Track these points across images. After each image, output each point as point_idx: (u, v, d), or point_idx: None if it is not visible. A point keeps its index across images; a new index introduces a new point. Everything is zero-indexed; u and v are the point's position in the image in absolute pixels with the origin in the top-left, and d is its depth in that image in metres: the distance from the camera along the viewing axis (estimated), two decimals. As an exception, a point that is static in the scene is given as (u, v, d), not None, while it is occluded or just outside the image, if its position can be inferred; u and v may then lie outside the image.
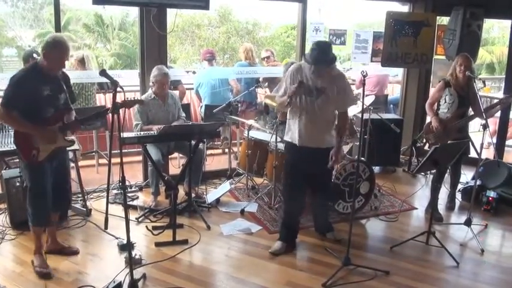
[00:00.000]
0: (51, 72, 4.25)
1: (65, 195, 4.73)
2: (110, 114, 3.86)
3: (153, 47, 6.34)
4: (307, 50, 7.73)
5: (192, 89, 8.32)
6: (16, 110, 4.12)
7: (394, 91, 10.60)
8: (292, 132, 4.86)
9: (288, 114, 4.94)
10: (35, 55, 6.48)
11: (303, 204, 5.12)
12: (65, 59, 4.32)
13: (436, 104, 5.94)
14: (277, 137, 5.81)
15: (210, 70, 7.94)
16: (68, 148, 4.64)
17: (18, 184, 5.24)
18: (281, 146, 6.03)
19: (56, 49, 4.16)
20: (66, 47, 4.24)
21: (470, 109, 5.80)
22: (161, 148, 6.00)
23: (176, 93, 6.69)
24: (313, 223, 5.47)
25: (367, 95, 6.12)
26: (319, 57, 4.54)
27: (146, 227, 5.39)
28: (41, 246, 4.55)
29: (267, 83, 7.86)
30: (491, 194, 6.24)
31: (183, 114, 6.35)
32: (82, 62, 7.25)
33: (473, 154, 5.88)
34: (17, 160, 5.82)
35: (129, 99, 4.29)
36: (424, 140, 5.97)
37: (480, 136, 5.27)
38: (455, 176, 6.20)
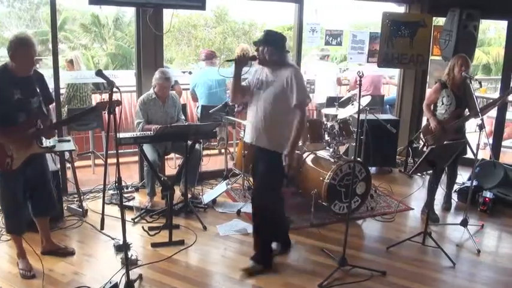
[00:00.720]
0: (22, 74, 4.12)
1: (47, 199, 4.62)
2: (106, 115, 3.81)
3: (149, 48, 6.34)
4: (304, 50, 7.76)
5: (189, 89, 8.32)
6: None
7: (390, 91, 10.62)
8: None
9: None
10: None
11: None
12: (33, 55, 4.13)
13: (432, 105, 5.94)
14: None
15: (207, 70, 7.92)
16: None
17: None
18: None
19: (22, 47, 4.03)
20: (32, 43, 4.09)
21: (467, 109, 5.81)
22: (158, 148, 6.00)
23: (177, 95, 6.65)
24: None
25: (362, 96, 6.11)
26: (258, 39, 4.47)
27: (142, 227, 5.39)
28: (22, 250, 4.51)
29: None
30: (488, 194, 6.25)
31: (183, 117, 6.36)
32: (71, 63, 7.26)
33: (469, 155, 5.90)
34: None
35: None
36: (422, 141, 5.97)
37: (476, 137, 5.27)
38: (452, 176, 6.22)
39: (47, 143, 4.47)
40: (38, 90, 4.27)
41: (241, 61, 4.42)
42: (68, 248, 4.85)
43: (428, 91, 6.68)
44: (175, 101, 6.23)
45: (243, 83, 4.58)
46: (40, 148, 4.34)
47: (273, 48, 4.36)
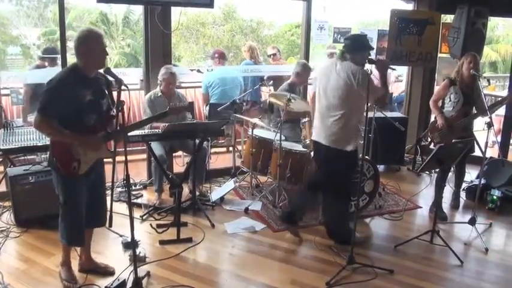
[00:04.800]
0: (94, 71, 3.92)
1: (102, 209, 4.37)
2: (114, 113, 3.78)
3: (157, 46, 6.35)
4: (312, 48, 7.74)
5: (198, 87, 8.32)
6: (54, 118, 3.74)
7: (398, 89, 10.59)
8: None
9: (350, 120, 4.72)
10: (38, 53, 6.52)
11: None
12: (104, 46, 3.89)
13: (440, 102, 5.93)
14: (282, 136, 5.81)
15: (222, 69, 7.89)
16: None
17: (24, 181, 5.22)
18: (285, 144, 6.04)
19: (92, 40, 3.81)
20: (99, 34, 3.91)
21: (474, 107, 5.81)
22: (164, 145, 6.02)
23: (184, 95, 6.61)
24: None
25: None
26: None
27: (150, 225, 5.41)
28: (69, 259, 4.29)
29: (271, 81, 7.85)
30: (496, 192, 6.23)
31: (190, 117, 6.33)
32: None
33: (477, 153, 5.88)
34: (22, 158, 5.86)
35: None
36: (429, 139, 5.97)
37: (485, 135, 5.26)
38: (460, 174, 6.21)
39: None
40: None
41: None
42: (108, 267, 4.50)
43: (436, 88, 6.65)
44: (181, 99, 6.22)
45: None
46: (108, 152, 4.15)
47: None
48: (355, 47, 4.71)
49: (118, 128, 3.86)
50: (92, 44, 3.81)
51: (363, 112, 4.71)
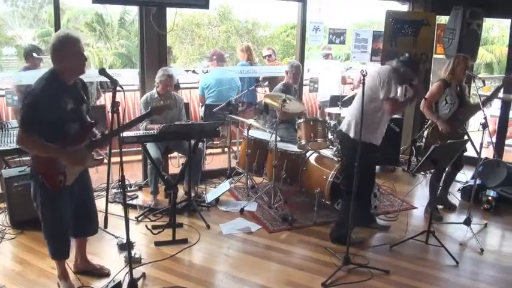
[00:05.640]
0: (73, 77, 3.75)
1: (92, 217, 4.26)
2: (110, 114, 3.74)
3: (152, 46, 6.34)
4: (307, 49, 7.75)
5: (193, 88, 8.31)
6: (37, 131, 3.54)
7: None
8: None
9: (369, 115, 4.79)
10: (34, 54, 6.47)
11: None
12: (82, 51, 3.70)
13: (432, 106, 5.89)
14: (277, 137, 5.81)
15: (218, 70, 7.88)
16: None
17: (16, 184, 5.18)
18: (280, 145, 6.04)
19: (68, 44, 3.60)
20: (77, 38, 3.66)
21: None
22: (160, 146, 6.01)
23: (181, 96, 6.60)
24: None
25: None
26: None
27: (146, 226, 5.39)
28: (65, 271, 4.18)
29: (267, 82, 7.86)
30: (491, 193, 6.25)
31: (185, 120, 6.32)
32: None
33: (473, 154, 5.88)
34: (17, 159, 5.83)
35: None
36: (425, 140, 5.95)
37: (480, 135, 5.27)
38: (451, 175, 6.15)
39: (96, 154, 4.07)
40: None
41: None
42: (104, 268, 4.46)
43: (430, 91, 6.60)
44: (177, 101, 6.21)
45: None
46: (94, 161, 3.98)
47: None
48: (407, 61, 4.96)
49: (110, 129, 3.82)
50: (67, 49, 3.62)
51: (373, 111, 4.88)
